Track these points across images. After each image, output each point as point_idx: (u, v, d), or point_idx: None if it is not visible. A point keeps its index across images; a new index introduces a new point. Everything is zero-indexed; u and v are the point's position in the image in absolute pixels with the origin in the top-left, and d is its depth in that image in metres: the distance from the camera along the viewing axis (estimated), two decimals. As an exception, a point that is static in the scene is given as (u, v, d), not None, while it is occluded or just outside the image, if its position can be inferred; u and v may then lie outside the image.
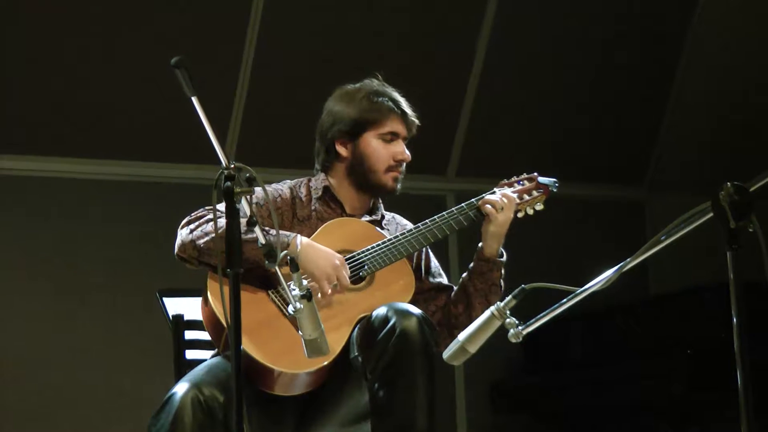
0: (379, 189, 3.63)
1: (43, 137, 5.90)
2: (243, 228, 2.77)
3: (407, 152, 3.62)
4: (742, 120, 6.92)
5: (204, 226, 3.38)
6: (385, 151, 3.59)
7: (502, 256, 3.62)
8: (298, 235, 3.41)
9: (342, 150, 3.61)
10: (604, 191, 7.13)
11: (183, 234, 3.41)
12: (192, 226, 3.41)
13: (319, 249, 3.40)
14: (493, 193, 3.64)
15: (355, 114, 3.58)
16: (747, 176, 2.51)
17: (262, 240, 2.83)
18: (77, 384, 5.82)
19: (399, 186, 3.63)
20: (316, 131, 3.67)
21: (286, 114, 6.23)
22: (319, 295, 3.35)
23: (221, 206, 2.86)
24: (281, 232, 3.42)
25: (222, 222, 2.88)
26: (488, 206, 3.57)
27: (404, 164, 3.62)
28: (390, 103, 3.59)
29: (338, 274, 3.38)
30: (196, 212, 3.46)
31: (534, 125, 6.87)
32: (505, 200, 3.58)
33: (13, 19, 5.75)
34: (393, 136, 3.60)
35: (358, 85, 3.65)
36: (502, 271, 3.62)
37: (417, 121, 3.64)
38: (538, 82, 6.82)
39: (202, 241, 3.36)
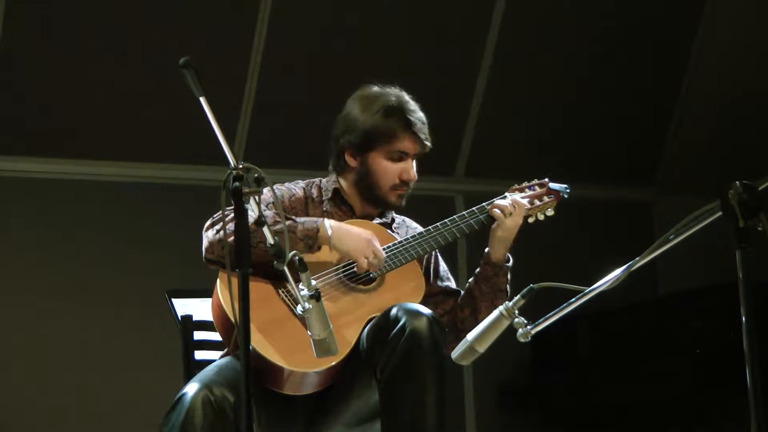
0: (383, 204, 3.63)
1: (51, 139, 5.92)
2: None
3: (414, 171, 3.60)
4: (749, 120, 6.92)
5: (230, 225, 3.38)
6: (392, 169, 3.57)
7: (508, 261, 3.63)
8: (326, 219, 3.44)
9: (350, 160, 3.61)
10: (612, 192, 7.12)
11: (209, 235, 3.41)
12: (218, 227, 3.41)
13: (350, 228, 3.44)
14: (504, 197, 3.64)
15: (367, 127, 3.56)
16: (755, 176, 2.51)
17: (270, 240, 2.83)
18: (85, 386, 5.83)
19: (404, 202, 3.64)
20: (333, 128, 3.66)
21: (295, 115, 6.24)
22: (362, 266, 3.40)
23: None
24: (308, 218, 3.44)
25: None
26: (497, 211, 3.57)
27: (411, 183, 3.62)
28: (403, 122, 3.56)
29: (373, 248, 3.41)
30: (217, 214, 3.46)
31: (542, 126, 6.87)
32: (515, 206, 3.58)
33: (14, 20, 5.76)
34: (402, 155, 3.58)
35: (378, 91, 3.61)
36: (509, 277, 3.63)
37: (429, 143, 3.60)
38: (546, 82, 6.82)
39: (230, 239, 3.35)
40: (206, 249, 3.41)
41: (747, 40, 6.90)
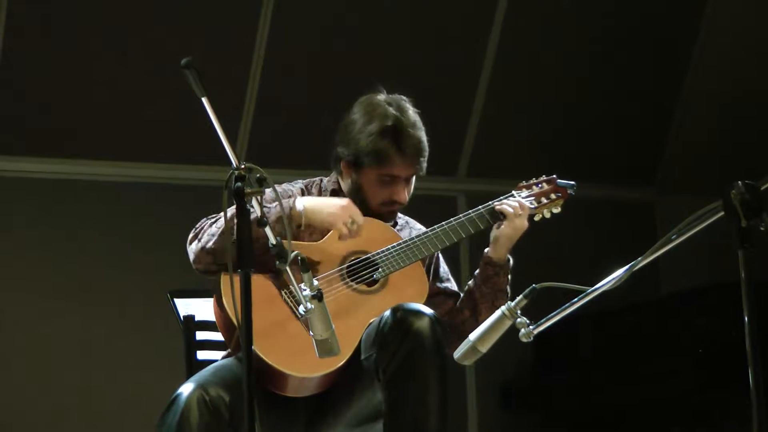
0: (374, 217, 3.62)
1: (52, 139, 5.93)
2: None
3: (404, 194, 3.56)
4: (749, 120, 6.91)
5: (209, 230, 3.39)
6: (382, 190, 3.54)
7: (509, 261, 3.61)
8: (298, 198, 3.44)
9: (345, 171, 3.58)
10: (614, 192, 7.12)
11: (192, 248, 3.41)
12: (198, 237, 3.41)
13: (322, 200, 3.46)
14: (512, 196, 3.62)
15: (360, 147, 3.51)
16: (755, 176, 2.51)
17: (272, 240, 2.83)
18: (88, 385, 5.83)
19: (396, 217, 3.62)
20: (335, 130, 3.64)
21: (296, 115, 6.24)
22: (343, 233, 3.39)
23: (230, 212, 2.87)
24: (282, 201, 3.42)
25: (221, 222, 2.86)
26: (508, 208, 3.54)
27: (402, 203, 3.59)
28: (395, 147, 3.50)
29: (350, 213, 3.41)
30: (197, 225, 3.46)
31: (544, 126, 6.87)
32: (521, 209, 3.55)
33: (15, 19, 5.76)
34: (394, 178, 3.54)
35: (381, 107, 3.54)
36: (509, 277, 3.61)
37: (422, 170, 3.56)
38: (548, 82, 6.82)
39: (210, 243, 3.36)
40: (194, 261, 3.41)
41: (747, 40, 6.90)
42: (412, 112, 3.57)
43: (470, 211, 3.59)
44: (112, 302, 5.92)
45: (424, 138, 3.56)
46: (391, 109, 3.54)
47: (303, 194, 3.60)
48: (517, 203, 3.56)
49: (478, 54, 6.64)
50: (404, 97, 3.61)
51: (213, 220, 3.41)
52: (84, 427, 5.82)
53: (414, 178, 3.58)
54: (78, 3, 5.83)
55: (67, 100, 5.90)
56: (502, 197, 3.61)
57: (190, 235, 3.44)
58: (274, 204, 3.40)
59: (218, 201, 2.86)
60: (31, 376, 5.79)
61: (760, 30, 6.82)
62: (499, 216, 3.56)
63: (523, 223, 3.56)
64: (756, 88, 6.85)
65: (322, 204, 3.44)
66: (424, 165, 3.56)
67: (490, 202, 3.60)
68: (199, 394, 3.21)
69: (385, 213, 3.58)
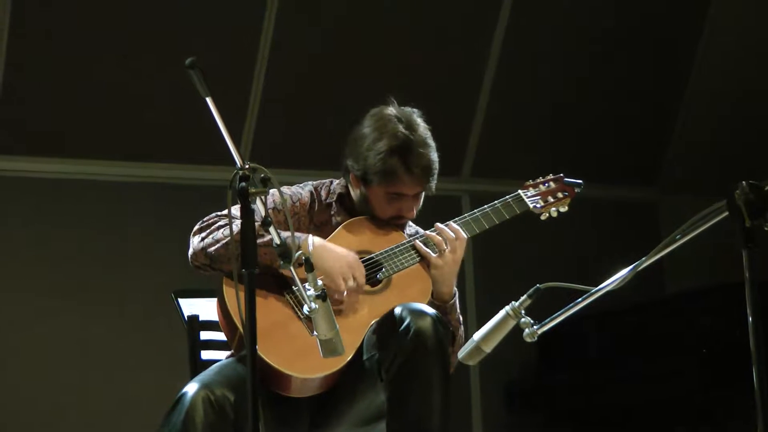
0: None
1: (52, 139, 5.93)
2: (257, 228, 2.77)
3: (413, 210, 3.54)
4: (753, 120, 6.91)
5: (215, 233, 3.39)
6: (390, 206, 3.53)
7: (453, 297, 3.54)
8: (310, 236, 3.41)
9: (354, 183, 3.57)
10: (617, 192, 7.12)
11: (194, 242, 3.41)
12: (203, 234, 3.41)
13: (333, 249, 3.40)
14: (434, 230, 3.54)
15: (368, 165, 3.49)
16: (757, 176, 2.51)
17: (276, 240, 2.83)
18: (86, 385, 5.83)
19: (404, 228, 3.59)
20: (346, 142, 3.60)
21: (300, 116, 6.25)
22: (336, 296, 3.34)
23: (233, 210, 2.86)
24: (295, 234, 3.40)
25: (234, 228, 2.86)
26: (430, 252, 3.49)
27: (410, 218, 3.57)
28: (404, 166, 3.47)
29: (354, 273, 3.38)
30: (207, 218, 3.45)
31: (548, 126, 6.87)
32: (452, 242, 3.50)
33: (18, 22, 5.77)
34: (401, 195, 3.52)
35: (392, 124, 3.50)
36: (458, 314, 3.55)
37: (432, 186, 3.54)
38: (551, 82, 6.82)
39: (213, 248, 3.36)
40: (191, 255, 3.42)
41: (750, 40, 6.90)
42: (423, 129, 3.54)
43: (475, 210, 3.59)
44: (112, 302, 5.92)
45: (435, 156, 3.53)
46: (401, 127, 3.50)
47: (311, 197, 3.60)
48: (442, 240, 3.50)
49: (482, 54, 6.64)
50: (415, 110, 3.58)
51: (223, 222, 3.41)
52: (82, 427, 5.82)
53: (423, 193, 3.56)
54: (79, 5, 5.83)
55: (69, 100, 5.90)
56: (428, 231, 3.54)
57: (196, 227, 3.44)
58: (286, 235, 3.36)
59: (222, 201, 2.85)
60: (26, 375, 5.79)
61: (763, 30, 6.82)
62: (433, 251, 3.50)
63: (456, 259, 3.49)
64: (758, 88, 6.85)
65: (331, 254, 3.39)
66: (434, 183, 3.54)
67: (496, 201, 3.59)
68: (204, 393, 3.21)
69: (393, 225, 3.57)
